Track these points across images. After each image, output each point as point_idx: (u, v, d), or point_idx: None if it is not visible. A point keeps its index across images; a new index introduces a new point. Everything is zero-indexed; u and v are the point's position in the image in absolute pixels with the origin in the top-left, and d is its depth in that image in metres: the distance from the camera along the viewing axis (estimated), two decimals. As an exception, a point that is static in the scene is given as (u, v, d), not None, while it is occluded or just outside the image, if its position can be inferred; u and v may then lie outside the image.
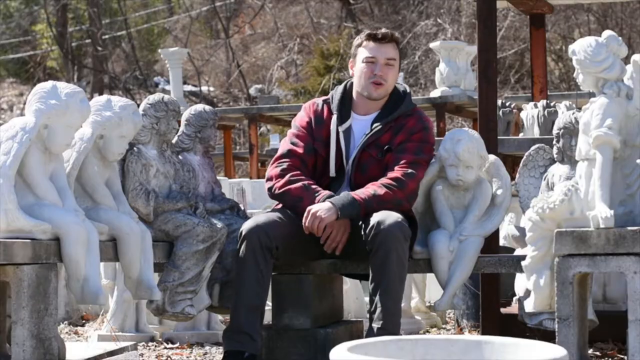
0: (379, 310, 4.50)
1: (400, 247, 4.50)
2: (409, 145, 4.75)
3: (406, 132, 4.77)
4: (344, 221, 4.64)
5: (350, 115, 4.83)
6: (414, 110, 4.86)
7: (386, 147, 4.75)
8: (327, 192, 4.68)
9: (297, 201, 4.68)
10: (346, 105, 4.85)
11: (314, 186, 4.69)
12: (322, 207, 4.58)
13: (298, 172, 4.74)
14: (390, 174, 4.69)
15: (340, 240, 4.67)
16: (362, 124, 4.82)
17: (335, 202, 4.59)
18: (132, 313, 6.21)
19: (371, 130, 4.77)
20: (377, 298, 4.51)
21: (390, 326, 4.49)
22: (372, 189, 4.64)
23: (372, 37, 4.81)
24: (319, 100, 4.93)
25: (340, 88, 4.90)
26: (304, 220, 4.60)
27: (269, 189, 4.78)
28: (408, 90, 4.95)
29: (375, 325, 4.50)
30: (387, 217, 4.53)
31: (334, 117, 4.82)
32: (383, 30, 4.85)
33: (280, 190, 4.73)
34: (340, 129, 4.80)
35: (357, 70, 4.83)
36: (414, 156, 4.73)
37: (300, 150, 4.79)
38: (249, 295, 4.55)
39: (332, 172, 4.78)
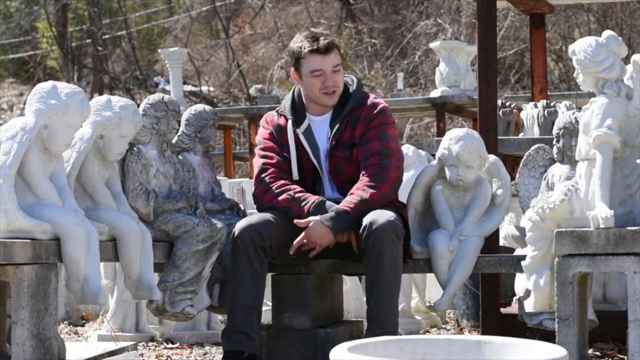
0: (375, 310, 4.52)
1: (393, 246, 4.51)
2: (371, 134, 4.76)
3: (363, 123, 4.79)
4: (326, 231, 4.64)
5: (306, 116, 4.86)
6: (364, 98, 4.87)
7: (350, 143, 4.77)
8: (315, 198, 4.69)
9: (286, 212, 4.69)
10: (299, 109, 4.88)
11: (299, 194, 4.70)
12: (319, 233, 4.59)
13: (280, 182, 4.75)
14: (368, 171, 4.70)
15: (319, 245, 4.67)
16: (320, 124, 4.85)
17: (329, 223, 4.59)
18: (132, 313, 6.20)
19: (332, 133, 4.79)
20: (373, 298, 4.53)
21: (388, 325, 4.50)
22: (358, 194, 4.65)
23: (314, 51, 4.77)
24: (273, 112, 4.96)
25: (288, 96, 4.92)
26: (299, 240, 4.61)
27: (258, 208, 4.81)
28: (354, 79, 4.95)
29: (373, 326, 4.51)
30: (378, 216, 4.54)
31: (290, 122, 4.84)
32: (322, 41, 4.78)
33: (269, 204, 4.74)
34: (299, 131, 4.82)
35: (305, 83, 4.81)
36: (380, 142, 4.74)
37: (273, 160, 4.80)
38: (244, 295, 4.56)
39: (295, 175, 4.79)
